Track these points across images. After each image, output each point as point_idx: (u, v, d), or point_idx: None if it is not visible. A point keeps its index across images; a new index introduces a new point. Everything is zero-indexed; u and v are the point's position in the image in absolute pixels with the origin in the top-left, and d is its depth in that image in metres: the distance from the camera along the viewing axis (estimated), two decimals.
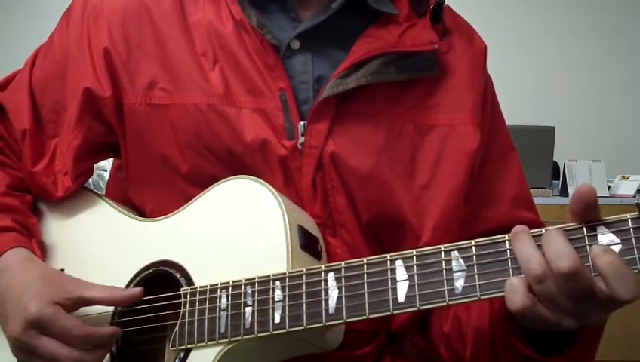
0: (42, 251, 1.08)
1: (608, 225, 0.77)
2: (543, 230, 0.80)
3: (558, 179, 3.98)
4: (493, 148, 1.10)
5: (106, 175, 2.66)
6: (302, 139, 1.01)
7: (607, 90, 4.85)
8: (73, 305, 0.98)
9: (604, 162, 3.94)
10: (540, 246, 0.78)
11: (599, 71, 4.85)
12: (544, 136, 3.81)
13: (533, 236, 0.80)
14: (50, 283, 0.99)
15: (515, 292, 0.78)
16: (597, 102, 4.83)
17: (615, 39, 4.88)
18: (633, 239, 0.76)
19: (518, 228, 0.81)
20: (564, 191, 3.88)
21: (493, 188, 1.10)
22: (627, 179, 3.92)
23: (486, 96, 1.11)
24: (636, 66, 4.88)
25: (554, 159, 3.93)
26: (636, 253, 0.75)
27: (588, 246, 0.77)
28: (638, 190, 3.83)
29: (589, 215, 0.78)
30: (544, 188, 3.80)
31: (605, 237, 0.77)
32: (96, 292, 0.99)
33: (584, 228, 0.78)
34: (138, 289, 0.99)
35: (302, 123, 1.02)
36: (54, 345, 0.95)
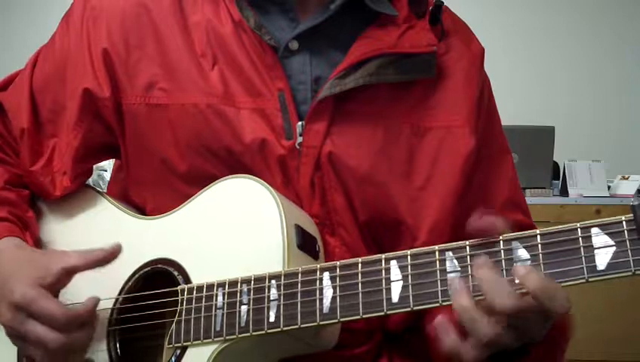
0: (40, 246, 1.09)
1: (602, 227, 0.77)
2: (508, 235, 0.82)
3: (558, 179, 3.97)
4: (487, 151, 1.11)
5: (106, 175, 2.67)
6: (300, 139, 1.02)
7: (607, 90, 4.85)
8: (57, 281, 0.98)
9: (604, 162, 3.93)
10: (532, 251, 0.80)
11: (599, 71, 4.84)
12: (544, 136, 3.80)
13: (522, 237, 0.82)
14: (35, 266, 0.99)
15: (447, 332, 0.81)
16: (597, 102, 4.83)
17: (615, 39, 4.88)
18: (627, 241, 0.76)
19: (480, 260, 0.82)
20: (564, 191, 3.86)
21: (485, 190, 1.10)
22: (627, 179, 3.91)
23: (482, 99, 1.11)
24: (636, 66, 4.88)
25: (554, 159, 3.92)
26: (630, 255, 0.75)
27: (582, 248, 0.78)
28: (638, 190, 3.82)
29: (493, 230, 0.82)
30: (544, 188, 3.78)
31: (599, 239, 0.77)
32: (72, 259, 0.99)
33: (579, 230, 0.78)
34: (112, 246, 1.00)
35: (300, 123, 1.02)
36: (41, 329, 0.95)
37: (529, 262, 0.80)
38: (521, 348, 0.86)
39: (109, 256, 1.00)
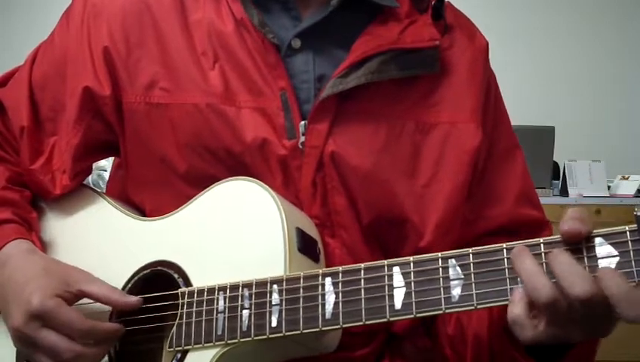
0: (42, 246, 1.08)
1: (606, 237, 0.77)
2: (541, 240, 0.80)
3: (558, 179, 3.97)
4: (497, 146, 1.10)
5: (106, 175, 2.66)
6: (302, 139, 1.01)
7: (607, 90, 4.85)
8: (74, 298, 0.98)
9: (604, 162, 3.93)
10: (540, 257, 0.78)
11: (599, 71, 4.84)
12: (544, 136, 3.80)
13: (531, 246, 0.80)
14: (52, 275, 0.99)
15: (523, 328, 0.78)
16: (597, 102, 4.83)
17: (615, 39, 4.88)
18: (631, 252, 0.75)
19: (518, 248, 0.80)
20: (564, 191, 3.87)
21: (497, 186, 1.09)
22: (627, 179, 3.91)
23: (489, 94, 1.11)
24: (636, 66, 4.88)
25: (554, 159, 3.92)
26: (634, 265, 0.75)
27: (586, 258, 0.77)
28: (638, 190, 3.82)
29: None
30: (544, 188, 3.79)
31: (603, 249, 0.77)
32: (95, 287, 0.99)
33: (583, 240, 0.78)
34: (136, 299, 0.99)
35: (302, 122, 1.01)
36: (55, 338, 0.95)
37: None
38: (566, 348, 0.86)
39: (125, 305, 0.98)
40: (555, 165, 4.04)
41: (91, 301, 1.00)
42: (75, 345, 0.95)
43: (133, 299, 0.99)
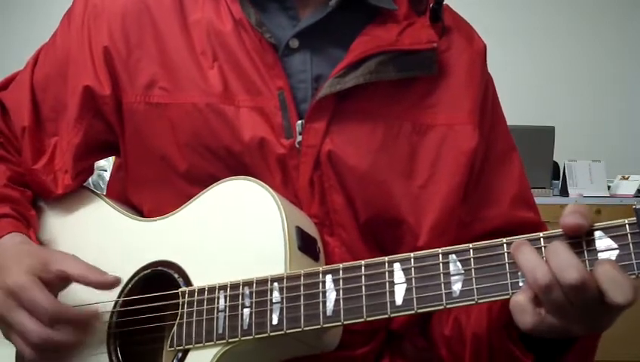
0: (39, 244, 1.08)
1: (606, 230, 0.77)
2: (541, 234, 0.80)
3: (558, 179, 3.98)
4: (493, 149, 1.10)
5: (106, 175, 2.66)
6: (300, 138, 1.01)
7: (607, 90, 4.85)
8: (55, 279, 0.98)
9: (604, 162, 3.93)
10: (540, 251, 0.79)
11: (599, 71, 4.85)
12: (544, 136, 3.80)
13: (531, 240, 0.80)
14: (33, 257, 0.99)
15: (524, 312, 0.78)
16: (597, 102, 4.83)
17: (615, 39, 4.88)
18: (631, 244, 0.75)
19: (518, 241, 0.80)
20: (564, 191, 3.87)
21: (493, 188, 1.10)
22: (627, 179, 3.92)
23: (486, 96, 1.11)
24: (636, 66, 4.88)
25: (554, 159, 3.92)
26: (633, 258, 0.75)
27: (586, 252, 0.77)
28: (638, 190, 3.82)
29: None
30: (544, 188, 3.79)
31: (603, 243, 0.77)
32: (74, 266, 0.99)
33: (583, 234, 0.78)
34: (114, 278, 0.99)
35: (300, 122, 1.02)
36: (25, 318, 0.95)
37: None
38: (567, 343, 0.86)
39: (106, 285, 0.99)
40: (555, 165, 4.04)
41: (91, 302, 1.00)
42: (44, 329, 0.94)
43: (111, 277, 0.99)
